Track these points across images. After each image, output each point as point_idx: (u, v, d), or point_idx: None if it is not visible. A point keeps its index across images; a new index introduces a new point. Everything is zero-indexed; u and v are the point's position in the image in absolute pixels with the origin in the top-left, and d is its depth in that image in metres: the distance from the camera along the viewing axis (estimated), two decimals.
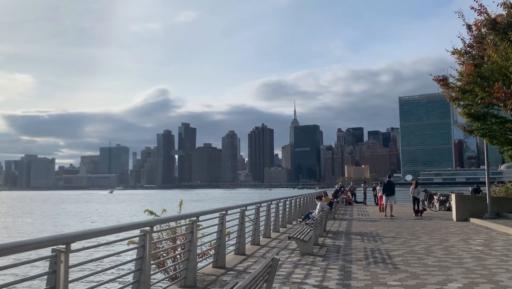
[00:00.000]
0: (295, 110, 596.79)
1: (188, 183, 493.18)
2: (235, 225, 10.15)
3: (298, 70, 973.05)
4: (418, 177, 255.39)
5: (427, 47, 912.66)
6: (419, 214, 21.49)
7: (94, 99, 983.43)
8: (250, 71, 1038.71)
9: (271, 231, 14.32)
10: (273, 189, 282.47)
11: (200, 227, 8.04)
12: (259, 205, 12.28)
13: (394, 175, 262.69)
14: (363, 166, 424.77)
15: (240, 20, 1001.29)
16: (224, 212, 8.77)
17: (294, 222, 18.31)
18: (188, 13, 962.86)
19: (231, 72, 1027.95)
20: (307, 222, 12.32)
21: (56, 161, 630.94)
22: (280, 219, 15.88)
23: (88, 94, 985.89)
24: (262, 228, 13.13)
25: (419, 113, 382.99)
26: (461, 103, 14.97)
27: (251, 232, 11.85)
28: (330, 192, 28.20)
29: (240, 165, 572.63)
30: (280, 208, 15.94)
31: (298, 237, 9.51)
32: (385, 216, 21.33)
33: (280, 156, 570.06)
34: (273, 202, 14.76)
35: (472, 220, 16.89)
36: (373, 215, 22.63)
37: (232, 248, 10.29)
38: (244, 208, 10.51)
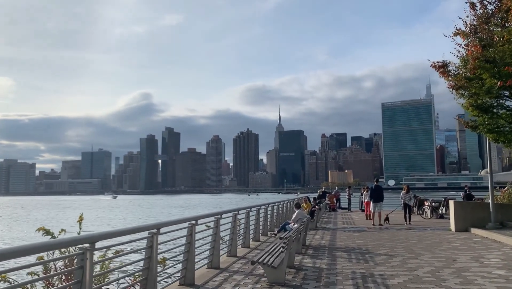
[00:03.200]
0: (280, 116, 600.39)
1: (172, 188, 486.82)
2: (227, 229, 10.96)
3: (283, 76, 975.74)
4: (400, 182, 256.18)
5: (410, 53, 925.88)
6: (408, 221, 19.38)
7: (77, 103, 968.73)
8: (235, 76, 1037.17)
9: (260, 234, 14.58)
10: (260, 194, 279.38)
11: (197, 230, 8.29)
12: (249, 209, 12.90)
13: (379, 180, 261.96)
14: (346, 171, 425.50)
15: (226, 24, 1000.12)
16: (219, 216, 9.60)
17: (270, 233, 15.84)
18: (173, 16, 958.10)
19: (216, 76, 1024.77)
20: (282, 236, 9.95)
21: (37, 165, 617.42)
22: (261, 227, 15.31)
23: (70, 98, 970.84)
24: (251, 231, 13.66)
25: (402, 119, 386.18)
26: (465, 93, 12.75)
27: (241, 235, 12.48)
28: (314, 197, 25.78)
29: (224, 170, 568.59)
30: (262, 214, 15.54)
31: (265, 261, 7.14)
32: (373, 224, 19.09)
33: (265, 161, 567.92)
34: (262, 207, 14.92)
35: (474, 230, 14.67)
36: (360, 223, 20.38)
37: (225, 250, 10.81)
38: (237, 212, 11.33)
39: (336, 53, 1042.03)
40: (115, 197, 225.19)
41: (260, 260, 7.15)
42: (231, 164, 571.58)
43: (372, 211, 19.91)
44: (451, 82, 12.86)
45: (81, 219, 8.54)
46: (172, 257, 8.43)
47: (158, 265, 6.61)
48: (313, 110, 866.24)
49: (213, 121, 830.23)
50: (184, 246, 7.62)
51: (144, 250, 6.13)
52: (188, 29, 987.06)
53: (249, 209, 12.77)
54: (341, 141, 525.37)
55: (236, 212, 11.33)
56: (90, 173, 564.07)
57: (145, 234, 6.13)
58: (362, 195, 30.58)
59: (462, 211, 15.46)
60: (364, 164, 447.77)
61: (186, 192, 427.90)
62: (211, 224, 9.43)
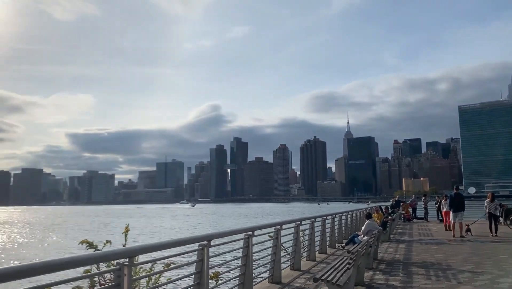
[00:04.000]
0: (348, 122, 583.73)
1: (240, 197, 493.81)
2: (289, 240, 10.49)
3: (351, 81, 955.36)
4: (482, 190, 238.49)
5: (488, 52, 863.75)
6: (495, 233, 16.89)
7: (150, 116, 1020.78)
8: (301, 84, 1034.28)
9: (327, 246, 13.78)
10: (330, 203, 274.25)
11: (255, 242, 7.96)
12: (313, 219, 12.28)
13: (459, 188, 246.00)
14: (422, 178, 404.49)
15: (291, 33, 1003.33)
16: (279, 226, 9.02)
17: (338, 245, 14.41)
18: (239, 29, 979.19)
19: (282, 85, 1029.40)
20: (350, 249, 8.55)
21: (116, 176, 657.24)
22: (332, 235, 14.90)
23: (145, 112, 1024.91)
24: (317, 243, 12.97)
25: (481, 122, 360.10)
26: None
27: (306, 247, 11.88)
28: (386, 207, 23.71)
29: (292, 179, 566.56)
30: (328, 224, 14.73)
31: (330, 278, 6.03)
32: (453, 236, 16.96)
33: (333, 169, 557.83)
34: (329, 217, 14.23)
35: None
36: (438, 235, 18.35)
37: (287, 263, 10.32)
38: (299, 222, 10.65)
39: (407, 55, 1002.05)
40: (193, 206, 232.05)
41: (324, 277, 6.09)
42: (298, 173, 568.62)
43: (452, 221, 17.68)
44: None
45: (127, 230, 7.70)
46: (226, 271, 7.71)
47: (210, 281, 6.18)
48: (383, 115, 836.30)
49: (280, 130, 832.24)
50: (240, 259, 7.26)
51: (194, 264, 5.76)
52: (254, 40, 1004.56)
53: (314, 219, 11.87)
54: (415, 148, 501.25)
55: (299, 222, 10.82)
56: (164, 183, 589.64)
57: (195, 246, 5.82)
58: (436, 203, 27.84)
59: None
60: (441, 170, 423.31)
61: (254, 200, 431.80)
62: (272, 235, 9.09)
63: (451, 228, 18.21)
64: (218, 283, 7.26)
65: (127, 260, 4.15)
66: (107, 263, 5.29)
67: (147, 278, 6.30)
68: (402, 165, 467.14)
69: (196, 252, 5.78)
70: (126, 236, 7.63)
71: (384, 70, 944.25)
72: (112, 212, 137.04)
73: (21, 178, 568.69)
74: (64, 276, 4.23)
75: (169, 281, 6.12)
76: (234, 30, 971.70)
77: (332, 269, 6.57)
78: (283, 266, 9.80)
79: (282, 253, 9.37)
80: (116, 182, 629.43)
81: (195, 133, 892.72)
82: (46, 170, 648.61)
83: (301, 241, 11.04)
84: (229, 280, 7.56)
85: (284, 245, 9.57)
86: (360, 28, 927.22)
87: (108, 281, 5.79)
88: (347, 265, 6.64)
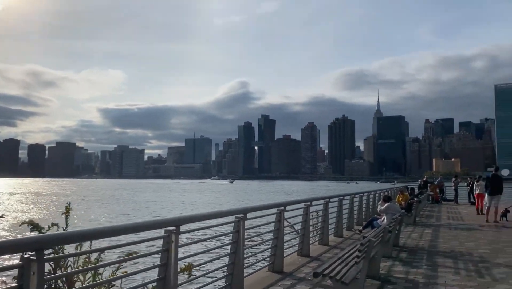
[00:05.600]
0: (378, 100, 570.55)
1: (267, 174, 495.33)
2: (318, 216, 11.01)
3: (382, 58, 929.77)
4: None
5: None
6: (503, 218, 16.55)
7: (180, 92, 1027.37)
8: (331, 61, 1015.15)
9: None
10: (359, 182, 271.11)
11: (286, 217, 8.15)
12: (342, 197, 12.69)
13: (488, 169, 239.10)
14: (453, 159, 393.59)
15: (322, 8, 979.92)
16: (309, 202, 9.52)
17: (357, 227, 14.04)
18: (269, 4, 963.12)
19: (311, 62, 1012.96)
20: (366, 234, 8.50)
21: (146, 151, 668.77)
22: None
23: (174, 88, 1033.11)
24: (345, 220, 13.45)
25: None
26: None
27: (334, 224, 12.18)
28: (412, 188, 23.42)
29: (319, 157, 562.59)
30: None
31: (334, 273, 5.10)
32: (487, 221, 16.56)
33: (361, 148, 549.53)
34: (346, 198, 13.78)
35: None
36: (469, 220, 17.70)
37: (316, 238, 10.81)
38: (328, 199, 10.98)
39: (442, 32, 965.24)
40: (232, 182, 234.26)
41: (326, 272, 5.06)
42: (326, 151, 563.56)
43: (487, 205, 17.27)
44: None
45: (67, 211, 5.48)
46: (260, 243, 8.17)
47: (246, 251, 6.62)
48: (415, 94, 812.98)
49: (308, 108, 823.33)
50: (273, 232, 7.73)
51: (231, 235, 6.14)
52: (284, 16, 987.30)
53: (328, 200, 11.16)
54: (447, 128, 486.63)
55: (342, 197, 11.62)
56: (193, 158, 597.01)
57: (232, 218, 6.23)
58: (468, 185, 27.29)
59: None
60: (473, 151, 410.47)
61: (281, 178, 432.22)
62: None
63: (485, 212, 17.44)
64: (253, 254, 7.75)
65: (175, 228, 4.50)
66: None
67: (193, 245, 6.80)
68: (433, 145, 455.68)
69: (233, 223, 6.16)
70: (67, 217, 5.45)
71: (418, 47, 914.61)
72: (157, 187, 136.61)
73: (55, 151, 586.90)
74: (115, 242, 4.76)
75: (209, 249, 6.84)
76: (264, 6, 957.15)
77: (340, 260, 5.54)
78: (311, 240, 10.10)
79: (293, 235, 9.37)
80: (145, 157, 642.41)
81: (223, 110, 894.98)
82: (79, 144, 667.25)
83: (316, 222, 11.18)
84: (262, 251, 7.95)
85: (295, 226, 9.49)
86: (393, 3, 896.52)
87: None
88: (355, 259, 5.56)
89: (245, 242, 6.66)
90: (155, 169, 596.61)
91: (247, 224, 6.53)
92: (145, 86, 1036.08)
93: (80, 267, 4.68)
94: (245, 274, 6.64)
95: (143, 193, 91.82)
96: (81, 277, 4.78)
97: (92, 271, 4.74)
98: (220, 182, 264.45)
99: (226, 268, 6.09)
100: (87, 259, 4.86)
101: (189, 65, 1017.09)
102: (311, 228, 10.82)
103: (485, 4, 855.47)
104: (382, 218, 11.87)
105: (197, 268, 5.42)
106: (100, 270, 4.80)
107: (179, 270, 4.85)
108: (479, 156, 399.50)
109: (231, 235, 6.22)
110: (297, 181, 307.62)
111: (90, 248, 4.71)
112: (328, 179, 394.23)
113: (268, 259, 7.78)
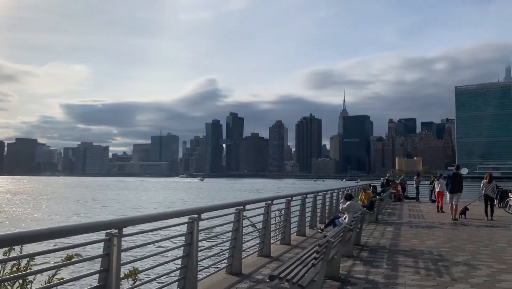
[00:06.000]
0: (344, 100, 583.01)
1: (235, 172, 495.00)
2: (281, 215, 10.77)
3: (348, 59, 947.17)
4: (474, 171, 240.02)
5: (488, 33, 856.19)
6: (490, 217, 16.89)
7: (146, 89, 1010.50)
8: (299, 60, 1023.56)
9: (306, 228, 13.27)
10: (325, 180, 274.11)
11: (245, 216, 7.90)
12: (304, 195, 12.54)
13: (448, 168, 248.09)
14: (415, 158, 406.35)
15: (290, 7, 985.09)
16: (270, 201, 9.20)
17: (319, 226, 13.81)
18: (238, 1, 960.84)
19: (279, 61, 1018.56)
20: (326, 234, 8.25)
21: (110, 148, 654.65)
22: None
23: (140, 84, 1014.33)
24: (308, 218, 13.41)
25: (477, 103, 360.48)
26: None
27: (297, 222, 12.05)
28: (374, 186, 23.63)
29: (287, 155, 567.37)
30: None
31: (290, 276, 4.77)
32: (452, 218, 16.81)
33: (328, 147, 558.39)
34: (309, 196, 13.44)
35: None
36: (430, 217, 17.95)
37: (278, 237, 10.52)
38: (290, 198, 10.82)
39: (406, 34, 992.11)
40: (202, 180, 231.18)
41: (283, 275, 4.70)
42: (293, 149, 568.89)
43: (450, 203, 17.52)
44: None
45: None
46: (217, 244, 7.85)
47: (200, 253, 6.29)
48: (380, 94, 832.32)
49: (276, 106, 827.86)
50: (231, 232, 7.39)
51: (184, 237, 5.79)
52: (253, 14, 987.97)
53: (290, 198, 10.96)
54: (409, 127, 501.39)
55: (290, 198, 10.76)
56: (159, 156, 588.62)
57: (185, 219, 5.89)
58: (431, 183, 27.88)
59: None
60: (434, 151, 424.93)
61: (249, 176, 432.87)
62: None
63: (450, 210, 17.46)
64: (208, 256, 7.23)
65: (117, 231, 4.15)
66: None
67: (138, 249, 6.15)
68: (396, 144, 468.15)
69: (186, 225, 5.79)
70: None
71: (383, 48, 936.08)
72: (123, 185, 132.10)
73: (15, 147, 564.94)
74: (54, 245, 4.27)
75: (159, 253, 6.01)
76: (232, 3, 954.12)
77: (298, 262, 5.17)
78: (272, 240, 9.69)
79: (252, 234, 9.06)
80: (110, 154, 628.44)
81: (191, 107, 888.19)
82: (41, 140, 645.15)
83: (277, 221, 10.82)
84: (219, 253, 7.54)
85: (256, 225, 9.17)
86: (360, 4, 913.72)
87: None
88: (312, 261, 5.24)
89: (201, 244, 6.35)
90: (120, 166, 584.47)
91: (202, 224, 6.24)
92: (110, 82, 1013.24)
93: (6, 274, 4.16)
94: (200, 277, 6.33)
95: (105, 191, 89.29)
96: (8, 287, 4.26)
97: (20, 280, 4.22)
98: (190, 180, 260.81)
99: (178, 272, 5.71)
100: (16, 266, 4.34)
101: (156, 61, 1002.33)
102: (273, 227, 10.58)
103: (446, 8, 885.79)
104: (344, 216, 11.74)
105: (145, 273, 5.01)
106: (32, 277, 4.31)
107: (122, 275, 4.45)
108: (440, 155, 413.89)
109: (184, 236, 5.84)
110: (265, 179, 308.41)
111: (21, 253, 4.22)
112: (295, 177, 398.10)
113: (225, 261, 7.39)
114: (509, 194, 21.38)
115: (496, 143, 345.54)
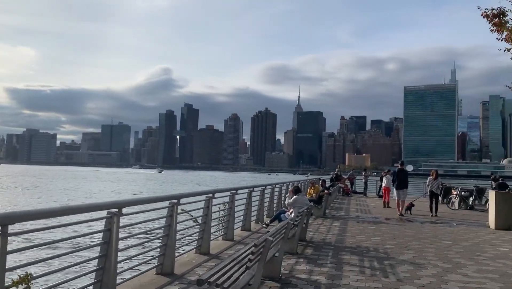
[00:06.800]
0: (299, 96, 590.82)
1: (189, 164, 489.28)
2: (222, 210, 10.43)
3: (304, 55, 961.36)
4: (419, 168, 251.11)
5: (437, 36, 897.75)
6: (435, 213, 17.09)
7: (98, 75, 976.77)
8: (256, 54, 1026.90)
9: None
10: (279, 174, 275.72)
11: (181, 211, 7.48)
12: (251, 189, 12.04)
13: (395, 164, 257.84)
14: (364, 154, 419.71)
15: (249, 1, 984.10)
16: (211, 194, 8.51)
17: (266, 220, 13.31)
18: None
19: (237, 54, 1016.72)
20: (269, 229, 7.72)
21: (58, 136, 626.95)
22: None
23: (92, 70, 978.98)
24: (254, 213, 12.68)
25: (424, 103, 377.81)
26: None
27: (242, 216, 11.50)
28: (324, 180, 23.53)
29: (241, 148, 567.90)
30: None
31: (221, 282, 3.93)
32: (398, 214, 16.84)
33: (282, 141, 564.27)
34: (256, 189, 12.84)
35: None
36: (376, 212, 18.04)
37: (221, 232, 10.15)
38: (235, 191, 10.22)
39: (360, 33, 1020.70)
40: (160, 172, 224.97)
41: (213, 279, 3.84)
42: (248, 143, 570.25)
43: (397, 199, 17.56)
44: (508, 36, 10.08)
45: None
46: (143, 242, 7.50)
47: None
48: (333, 91, 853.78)
49: (232, 99, 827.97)
50: (163, 229, 6.80)
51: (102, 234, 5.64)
52: (211, 5, 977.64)
53: (235, 191, 10.32)
54: (360, 124, 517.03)
55: (234, 191, 10.15)
56: (109, 146, 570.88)
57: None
58: (381, 180, 28.28)
59: (505, 204, 13.09)
60: (382, 148, 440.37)
61: (202, 168, 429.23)
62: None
63: (396, 206, 17.54)
64: (130, 256, 6.58)
65: (117, 210, 4.98)
66: None
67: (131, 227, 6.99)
68: (346, 141, 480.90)
69: (104, 220, 5.09)
70: None
71: (338, 46, 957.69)
72: (70, 175, 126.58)
73: None
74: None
75: (147, 231, 7.63)
76: None
77: (234, 263, 4.32)
78: (214, 236, 9.16)
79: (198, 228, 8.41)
80: (58, 142, 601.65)
81: (144, 97, 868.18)
82: None
83: (220, 215, 10.39)
84: (143, 253, 6.71)
85: (198, 219, 8.49)
86: (318, 1, 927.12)
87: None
88: (247, 263, 4.51)
89: (128, 242, 5.87)
90: (68, 155, 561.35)
91: (124, 221, 5.52)
92: (59, 67, 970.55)
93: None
94: (120, 280, 5.53)
95: (52, 181, 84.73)
96: None
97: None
98: (145, 171, 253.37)
99: (94, 274, 4.97)
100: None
101: (109, 48, 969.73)
102: (215, 222, 9.93)
103: (400, 10, 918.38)
104: (290, 211, 11.26)
105: (43, 278, 4.15)
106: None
107: (10, 283, 3.60)
108: (387, 152, 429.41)
109: (102, 234, 5.07)
110: (218, 172, 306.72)
111: None
112: (249, 170, 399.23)
113: (151, 262, 6.57)
114: (453, 190, 21.90)
115: (440, 142, 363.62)
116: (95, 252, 5.09)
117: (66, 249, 7.54)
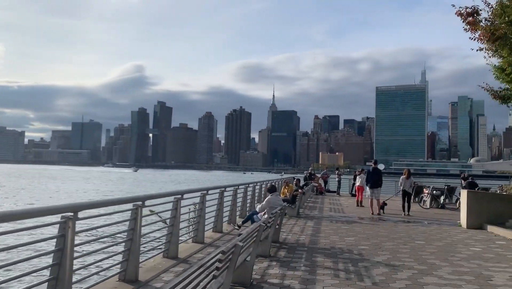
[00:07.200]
0: (273, 95, 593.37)
1: (162, 163, 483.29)
2: (192, 211, 9.60)
3: (279, 54, 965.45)
4: (390, 167, 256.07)
5: (408, 37, 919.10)
6: (407, 212, 17.14)
7: (68, 72, 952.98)
8: (230, 52, 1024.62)
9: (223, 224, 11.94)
10: (254, 172, 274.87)
11: (149, 213, 7.54)
12: (223, 189, 11.58)
13: (367, 163, 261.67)
14: (337, 153, 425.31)
15: None
16: (179, 196, 8.02)
17: (238, 221, 12.76)
18: None
19: (211, 52, 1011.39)
20: (242, 231, 7.40)
21: (26, 134, 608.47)
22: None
23: (62, 66, 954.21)
24: (226, 213, 12.28)
25: (395, 103, 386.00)
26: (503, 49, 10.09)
27: (213, 218, 11.15)
28: (298, 179, 23.37)
29: (216, 147, 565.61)
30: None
31: None
32: (372, 214, 16.76)
33: (256, 140, 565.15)
34: (229, 189, 12.40)
35: (491, 228, 12.43)
36: (349, 211, 17.98)
37: (191, 234, 9.57)
38: (205, 191, 9.79)
39: (334, 33, 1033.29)
40: (136, 170, 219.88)
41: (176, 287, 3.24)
42: (222, 141, 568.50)
43: (370, 198, 17.50)
44: (485, 33, 10.08)
45: None
46: (104, 248, 7.03)
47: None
48: (307, 90, 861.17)
49: (206, 97, 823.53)
50: (126, 233, 6.30)
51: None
52: (185, 2, 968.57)
53: (206, 192, 9.90)
54: (333, 124, 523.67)
55: (205, 191, 9.74)
56: (80, 144, 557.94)
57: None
58: (354, 179, 28.37)
59: (477, 203, 13.17)
60: (355, 147, 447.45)
61: (176, 167, 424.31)
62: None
63: (369, 205, 17.42)
64: (90, 262, 6.07)
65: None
66: None
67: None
68: (320, 140, 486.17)
69: (59, 225, 4.60)
70: None
71: (312, 46, 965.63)
72: (37, 174, 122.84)
73: None
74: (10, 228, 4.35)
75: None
76: None
77: (201, 270, 3.83)
78: (182, 238, 8.77)
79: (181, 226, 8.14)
80: (26, 140, 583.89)
81: (116, 94, 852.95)
82: None
83: (190, 217, 9.80)
84: (103, 260, 6.27)
85: (167, 221, 7.93)
86: (293, 0, 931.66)
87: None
88: (214, 272, 4.09)
89: (86, 247, 5.36)
90: (37, 153, 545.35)
91: (82, 226, 5.10)
92: (27, 62, 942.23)
93: None
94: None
95: (12, 180, 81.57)
96: None
97: None
98: (119, 170, 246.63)
99: (46, 284, 4.52)
100: None
101: (80, 44, 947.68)
102: (185, 224, 9.50)
103: (373, 11, 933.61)
104: (263, 212, 10.93)
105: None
106: None
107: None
108: (359, 151, 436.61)
109: (55, 240, 4.61)
110: (192, 171, 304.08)
111: None
112: (224, 169, 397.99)
113: (113, 268, 6.10)
114: (424, 189, 22.11)
115: (410, 141, 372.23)
116: (48, 261, 4.63)
117: (14, 258, 7.00)
